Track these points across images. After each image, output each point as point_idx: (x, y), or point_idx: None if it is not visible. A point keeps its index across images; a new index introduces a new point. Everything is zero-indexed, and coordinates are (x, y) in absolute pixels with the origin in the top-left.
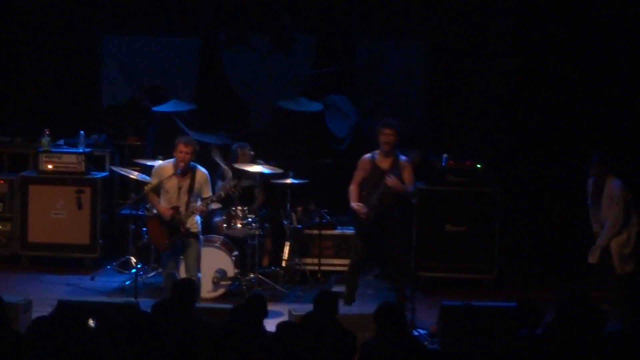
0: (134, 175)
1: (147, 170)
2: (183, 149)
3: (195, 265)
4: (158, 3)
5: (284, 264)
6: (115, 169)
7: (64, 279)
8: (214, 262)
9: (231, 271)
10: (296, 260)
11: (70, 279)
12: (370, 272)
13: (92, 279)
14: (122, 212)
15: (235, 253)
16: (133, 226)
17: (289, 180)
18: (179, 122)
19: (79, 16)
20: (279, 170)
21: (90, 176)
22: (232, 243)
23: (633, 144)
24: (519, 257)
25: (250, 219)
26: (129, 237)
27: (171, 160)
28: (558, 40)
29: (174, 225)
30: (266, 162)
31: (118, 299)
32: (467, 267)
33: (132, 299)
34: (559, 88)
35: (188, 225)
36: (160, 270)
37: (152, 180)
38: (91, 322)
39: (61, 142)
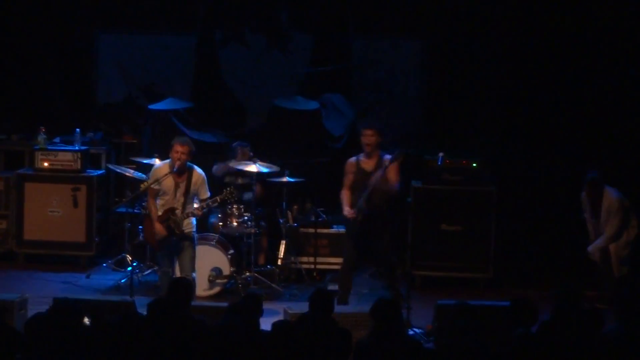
0: (130, 173)
1: (143, 168)
2: (179, 149)
3: (190, 265)
4: (155, 1)
5: (279, 262)
6: (111, 166)
7: (59, 276)
8: (210, 261)
9: (227, 269)
10: (292, 258)
11: (65, 277)
12: (365, 271)
13: (88, 276)
14: (118, 210)
15: (231, 251)
16: (129, 224)
17: (285, 179)
18: (175, 120)
19: (75, 13)
20: (276, 168)
21: (86, 174)
22: (228, 241)
23: (630, 143)
24: (515, 256)
25: (246, 217)
26: (124, 235)
27: (167, 161)
28: (555, 38)
29: (169, 226)
30: (262, 160)
31: (113, 297)
32: (463, 266)
33: (127, 297)
34: (555, 87)
35: (183, 227)
36: (155, 268)
37: (149, 180)
38: (86, 320)
39: (57, 139)
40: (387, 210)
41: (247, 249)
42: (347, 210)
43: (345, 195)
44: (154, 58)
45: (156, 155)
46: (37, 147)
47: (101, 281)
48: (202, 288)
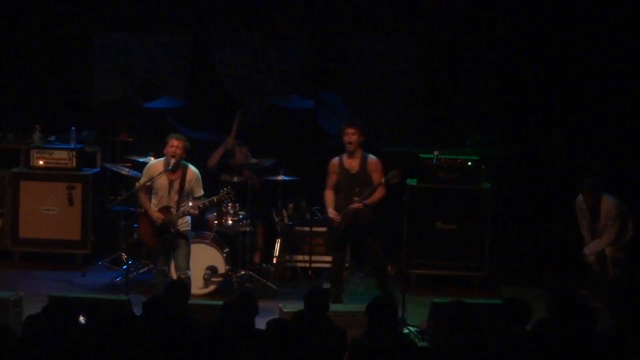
0: (125, 171)
1: (139, 166)
2: (175, 144)
3: (185, 263)
4: (150, 0)
5: (275, 260)
6: (106, 165)
7: (55, 275)
8: (205, 259)
9: (222, 268)
10: (287, 257)
11: (61, 275)
12: (360, 270)
13: (83, 275)
14: (113, 208)
15: (227, 250)
16: (124, 222)
17: (280, 177)
18: (171, 119)
19: (71, 12)
20: (272, 161)
21: (81, 172)
22: (223, 240)
23: (626, 144)
24: (510, 254)
25: (241, 216)
26: (120, 234)
27: (161, 158)
28: (550, 37)
29: (164, 224)
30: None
31: (109, 295)
32: (458, 265)
33: (123, 296)
34: (550, 84)
35: (178, 226)
36: (151, 266)
37: (142, 179)
38: (82, 319)
39: (52, 138)
40: (372, 214)
41: (243, 247)
42: (332, 213)
43: (328, 196)
44: (150, 57)
45: (151, 153)
46: (32, 145)
47: (96, 279)
48: (197, 286)
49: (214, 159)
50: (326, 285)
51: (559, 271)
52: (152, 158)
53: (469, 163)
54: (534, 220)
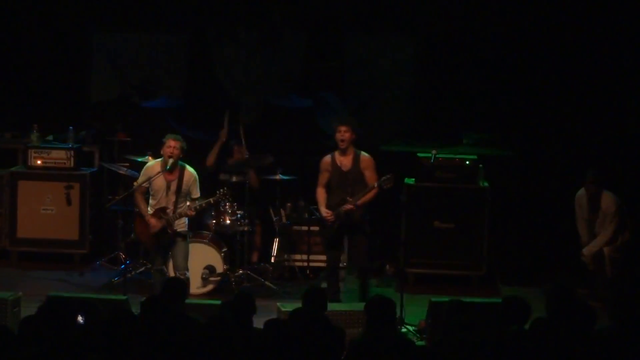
0: (123, 171)
1: (137, 166)
2: (172, 144)
3: (183, 263)
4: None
5: (273, 260)
6: (104, 164)
7: (53, 274)
8: (203, 258)
9: (220, 267)
10: (285, 256)
11: (59, 275)
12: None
13: (81, 274)
14: (111, 208)
15: (225, 249)
16: (122, 222)
17: (278, 177)
18: (169, 118)
19: (69, 12)
20: (270, 158)
21: (79, 172)
22: (221, 239)
23: (626, 140)
24: (508, 253)
25: (239, 215)
26: (118, 233)
27: (159, 159)
28: (550, 36)
29: (162, 225)
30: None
31: (107, 295)
32: (456, 264)
33: (121, 295)
34: (549, 84)
35: (175, 227)
36: (149, 266)
37: (139, 179)
38: (80, 318)
39: (50, 137)
40: (365, 213)
41: (241, 246)
42: (324, 212)
43: (320, 195)
44: (148, 56)
45: (149, 152)
46: (30, 145)
47: (95, 279)
48: (195, 286)
49: (211, 158)
50: (324, 285)
51: (557, 270)
52: (149, 158)
53: (467, 162)
54: (532, 219)
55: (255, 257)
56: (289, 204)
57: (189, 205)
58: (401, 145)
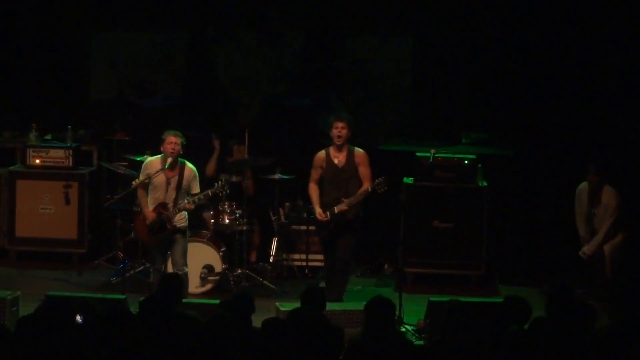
0: (122, 170)
1: (135, 165)
2: (173, 140)
3: (182, 260)
4: None
5: (271, 259)
6: (103, 164)
7: (51, 273)
8: (202, 258)
9: (219, 267)
10: (284, 255)
11: (57, 274)
12: (357, 269)
13: (80, 274)
14: (110, 207)
15: (223, 249)
16: (120, 221)
17: (276, 176)
18: (167, 117)
19: (67, 11)
20: (269, 160)
21: (77, 171)
22: (220, 238)
23: (624, 138)
24: (507, 253)
25: (238, 214)
26: (116, 232)
27: (159, 156)
28: (547, 34)
29: (161, 222)
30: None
31: (105, 294)
32: (455, 263)
33: (119, 294)
34: (547, 82)
35: (175, 222)
36: (148, 265)
37: (140, 176)
38: (78, 318)
39: (49, 136)
40: (359, 210)
41: (239, 246)
42: (319, 213)
43: (313, 192)
44: (146, 55)
45: (148, 152)
46: (29, 144)
47: (93, 278)
48: (194, 285)
49: (210, 168)
50: (322, 284)
51: (556, 270)
52: (148, 157)
53: (466, 161)
54: (531, 218)
55: (253, 257)
56: (287, 204)
57: (188, 200)
58: (400, 144)
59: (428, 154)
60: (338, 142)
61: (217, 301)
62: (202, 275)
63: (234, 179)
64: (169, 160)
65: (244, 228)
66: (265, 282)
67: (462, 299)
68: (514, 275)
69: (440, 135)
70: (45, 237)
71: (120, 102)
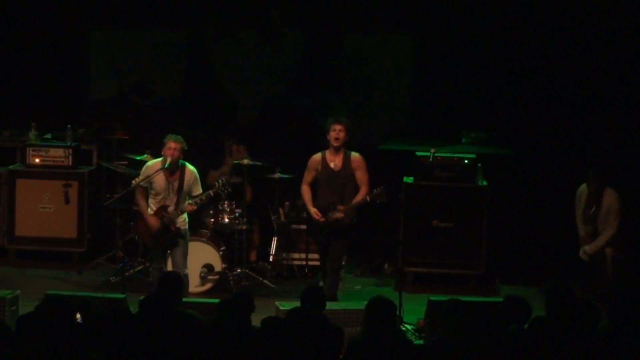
0: (121, 169)
1: (135, 164)
2: (172, 145)
3: (182, 261)
4: None
5: (271, 259)
6: (102, 163)
7: (51, 272)
8: (202, 257)
9: (218, 266)
10: (283, 255)
11: (57, 273)
12: (356, 269)
13: (79, 273)
14: (110, 206)
15: (223, 248)
16: (120, 220)
17: (276, 176)
18: (167, 116)
19: (67, 10)
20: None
21: (77, 170)
22: (219, 238)
23: (624, 138)
24: (507, 252)
25: (237, 214)
26: (116, 232)
27: (159, 159)
28: (548, 34)
29: (163, 224)
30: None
31: (105, 293)
32: (455, 263)
33: (119, 293)
34: (546, 83)
35: (178, 225)
36: (147, 264)
37: (139, 178)
38: (78, 317)
39: (48, 136)
40: (355, 215)
41: (239, 245)
42: (314, 212)
43: (306, 193)
44: (146, 54)
45: (148, 151)
46: (28, 143)
47: (93, 277)
48: (193, 284)
49: (213, 178)
50: (322, 283)
51: (556, 270)
52: (148, 156)
53: (466, 161)
54: (531, 218)
55: (253, 256)
56: (287, 203)
57: (189, 202)
58: (400, 144)
59: (428, 154)
60: (336, 144)
61: (216, 300)
62: (202, 275)
63: (233, 180)
64: (169, 160)
65: (244, 227)
66: (265, 281)
67: (462, 298)
68: (514, 275)
69: (440, 135)
70: (45, 236)
71: (120, 102)
